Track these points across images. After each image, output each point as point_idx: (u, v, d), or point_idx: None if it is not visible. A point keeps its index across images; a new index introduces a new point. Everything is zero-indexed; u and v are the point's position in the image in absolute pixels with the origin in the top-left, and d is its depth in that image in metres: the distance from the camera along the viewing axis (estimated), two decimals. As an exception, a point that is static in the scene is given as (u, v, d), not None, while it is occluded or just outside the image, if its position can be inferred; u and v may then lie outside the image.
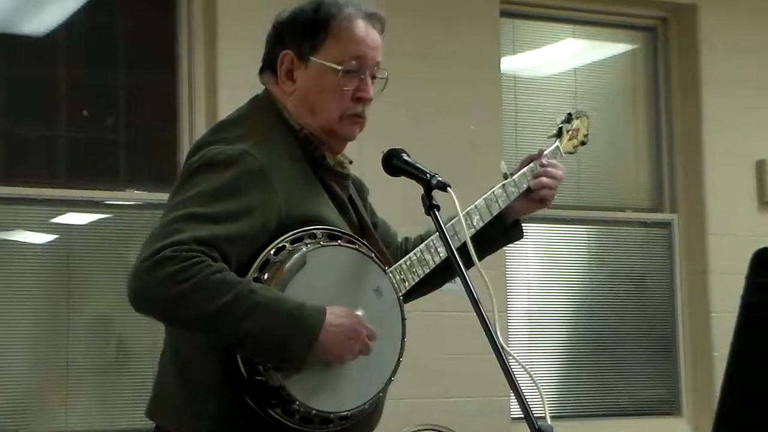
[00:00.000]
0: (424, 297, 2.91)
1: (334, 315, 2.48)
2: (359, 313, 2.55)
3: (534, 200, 3.03)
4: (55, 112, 5.53)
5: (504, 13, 6.39)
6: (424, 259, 2.79)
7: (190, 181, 2.55)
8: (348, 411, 2.54)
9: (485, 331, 2.40)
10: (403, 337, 2.66)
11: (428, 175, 2.62)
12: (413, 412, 5.56)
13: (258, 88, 2.81)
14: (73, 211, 5.48)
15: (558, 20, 6.72)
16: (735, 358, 2.28)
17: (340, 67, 2.68)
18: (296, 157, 2.66)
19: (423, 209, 2.61)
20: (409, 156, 2.70)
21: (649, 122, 6.88)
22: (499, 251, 3.06)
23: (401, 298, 2.70)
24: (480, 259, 2.61)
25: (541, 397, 2.47)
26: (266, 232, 2.52)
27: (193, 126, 5.55)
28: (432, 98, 5.97)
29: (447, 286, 2.92)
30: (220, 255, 2.43)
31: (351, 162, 2.81)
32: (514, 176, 3.01)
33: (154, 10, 5.72)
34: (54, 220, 5.44)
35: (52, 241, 5.45)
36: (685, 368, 6.67)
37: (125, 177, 5.60)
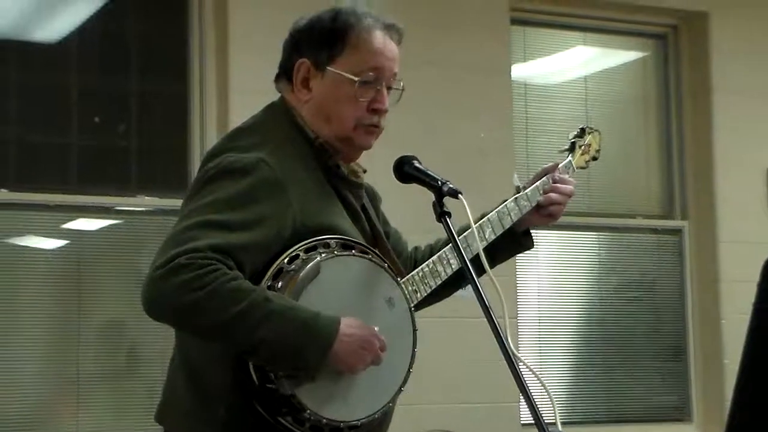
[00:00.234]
0: (436, 303, 2.91)
1: (347, 325, 2.48)
2: (371, 323, 2.54)
3: (543, 215, 3.03)
4: (67, 119, 5.53)
5: (515, 21, 6.38)
6: (437, 270, 2.79)
7: (205, 188, 2.54)
8: (358, 420, 2.54)
9: (496, 337, 2.40)
10: (414, 347, 2.66)
11: (439, 182, 2.61)
12: (424, 417, 5.56)
13: (269, 94, 2.80)
14: (84, 217, 5.48)
15: (569, 28, 6.72)
16: (747, 364, 2.27)
17: (356, 78, 2.67)
18: (311, 166, 2.65)
19: (434, 216, 2.61)
20: (420, 163, 2.70)
21: (659, 129, 6.87)
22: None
23: (413, 309, 2.69)
24: (491, 267, 2.62)
25: (552, 403, 2.48)
26: (280, 241, 2.51)
27: (205, 132, 5.55)
28: (443, 105, 5.96)
29: (458, 292, 2.92)
30: (235, 263, 2.42)
31: (365, 171, 2.81)
32: (527, 190, 3.00)
33: (165, 16, 5.73)
34: (65, 226, 5.44)
35: (63, 247, 5.45)
36: (696, 375, 6.65)
37: (136, 183, 5.60)
